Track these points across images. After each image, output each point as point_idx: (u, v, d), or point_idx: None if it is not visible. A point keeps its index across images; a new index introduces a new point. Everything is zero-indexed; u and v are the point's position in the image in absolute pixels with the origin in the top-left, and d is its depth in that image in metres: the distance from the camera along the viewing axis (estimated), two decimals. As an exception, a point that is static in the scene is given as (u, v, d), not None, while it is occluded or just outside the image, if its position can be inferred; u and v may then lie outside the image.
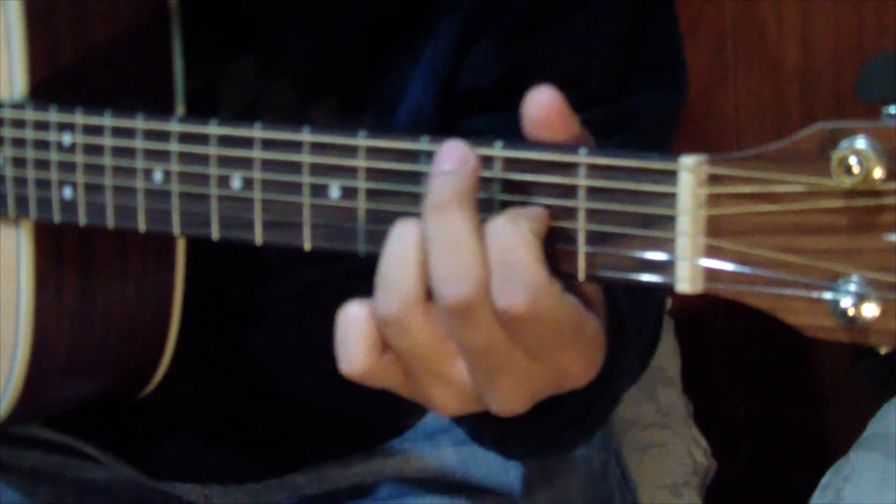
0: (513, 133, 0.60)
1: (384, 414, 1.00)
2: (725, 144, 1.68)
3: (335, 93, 0.83)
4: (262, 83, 0.84)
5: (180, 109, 0.82)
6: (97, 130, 0.73)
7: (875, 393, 0.53)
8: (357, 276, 0.90)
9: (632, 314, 0.69)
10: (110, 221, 0.73)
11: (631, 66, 0.81)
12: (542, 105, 0.57)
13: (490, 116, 0.81)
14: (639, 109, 0.80)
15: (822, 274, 0.51)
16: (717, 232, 0.53)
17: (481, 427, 0.76)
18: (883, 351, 0.51)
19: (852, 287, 0.50)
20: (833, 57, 1.58)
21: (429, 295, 0.58)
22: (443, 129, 0.83)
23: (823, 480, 1.22)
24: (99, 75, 0.80)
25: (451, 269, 0.56)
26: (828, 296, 0.51)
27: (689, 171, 0.53)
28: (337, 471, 0.99)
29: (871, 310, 0.50)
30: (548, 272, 0.55)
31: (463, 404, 0.61)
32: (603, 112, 0.80)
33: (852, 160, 0.49)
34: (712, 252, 0.53)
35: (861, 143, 0.49)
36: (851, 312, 0.50)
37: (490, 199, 0.59)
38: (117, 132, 0.72)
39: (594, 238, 0.56)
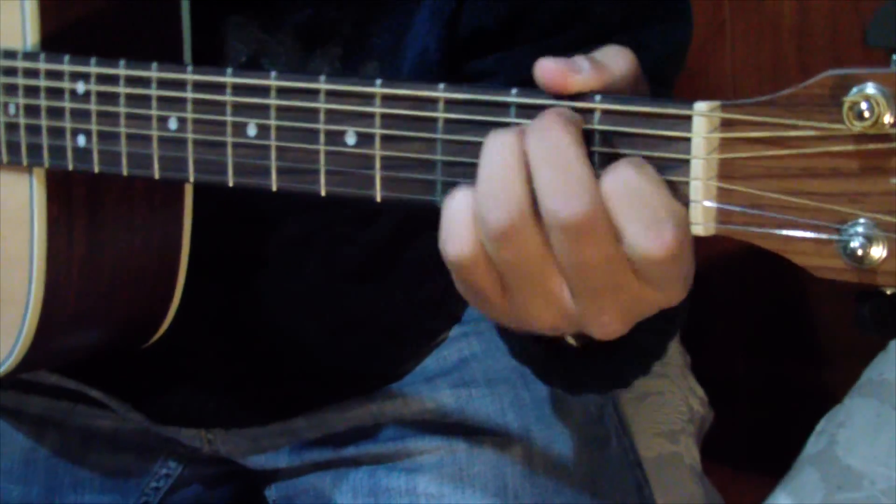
0: (522, 70, 0.60)
1: (384, 359, 1.01)
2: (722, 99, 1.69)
3: (338, 41, 0.84)
4: (266, 34, 0.84)
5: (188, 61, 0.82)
6: (111, 79, 0.73)
7: (880, 333, 0.54)
8: (358, 223, 0.92)
9: None
10: (124, 169, 0.74)
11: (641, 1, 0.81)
12: (541, 74, 0.58)
13: (498, 56, 0.81)
14: (647, 42, 0.80)
15: (832, 216, 0.52)
16: (730, 175, 0.54)
17: (551, 363, 0.76)
18: (889, 291, 0.52)
19: (860, 229, 0.51)
20: (830, 13, 1.58)
21: (536, 209, 0.57)
22: (449, 71, 0.83)
23: (818, 426, 1.23)
24: (107, 28, 0.80)
25: (562, 185, 0.56)
26: (836, 237, 0.52)
27: (703, 116, 0.54)
28: (337, 414, 1.00)
29: (878, 251, 0.51)
30: (682, 206, 0.56)
31: (561, 321, 0.60)
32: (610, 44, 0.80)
33: (863, 105, 0.50)
34: (725, 195, 0.54)
35: (871, 88, 0.50)
36: (860, 253, 0.51)
37: None
38: (131, 81, 0.73)
39: (609, 182, 0.57)
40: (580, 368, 0.73)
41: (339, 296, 0.96)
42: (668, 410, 1.26)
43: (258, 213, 0.88)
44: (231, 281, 0.93)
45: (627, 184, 0.55)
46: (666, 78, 0.82)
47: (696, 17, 0.86)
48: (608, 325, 0.59)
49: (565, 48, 0.76)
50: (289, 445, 1.02)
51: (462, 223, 0.59)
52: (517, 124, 0.59)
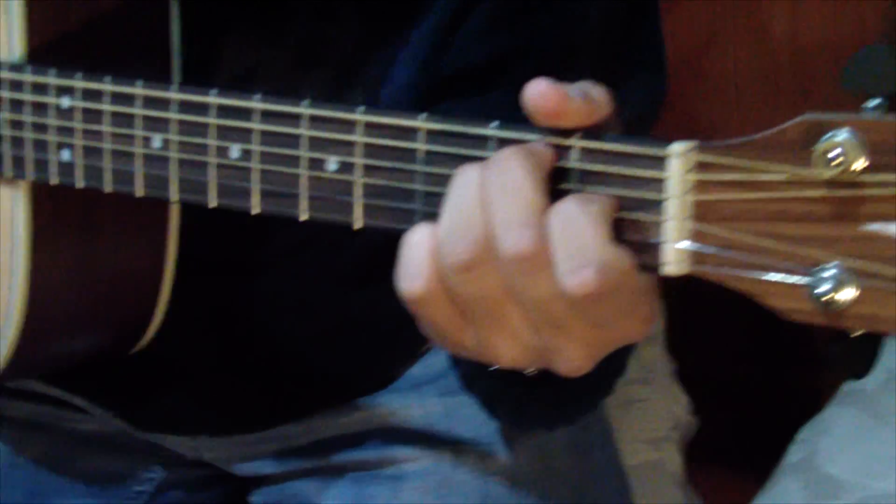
0: (497, 116, 0.60)
1: (372, 366, 1.01)
2: (724, 105, 1.69)
3: (331, 64, 0.84)
4: (262, 50, 0.84)
5: (176, 76, 0.82)
6: (96, 95, 0.74)
7: (849, 374, 0.55)
8: (346, 232, 0.92)
9: None
10: (108, 185, 0.74)
11: (621, 53, 0.82)
12: (537, 94, 0.58)
13: (474, 100, 0.81)
14: (627, 96, 0.81)
15: (802, 260, 0.52)
16: (704, 217, 0.54)
17: (495, 397, 0.77)
18: (858, 334, 0.53)
19: (830, 273, 0.52)
20: (822, 18, 1.59)
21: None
22: (425, 110, 0.83)
23: (800, 435, 1.25)
24: (97, 40, 0.80)
25: (513, 217, 0.56)
26: (806, 281, 0.52)
27: (679, 157, 0.55)
28: (324, 421, 1.00)
29: (847, 295, 0.52)
30: (617, 249, 0.56)
31: (524, 356, 0.61)
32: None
33: (834, 152, 0.50)
34: (698, 236, 0.55)
35: (843, 135, 0.51)
36: (828, 297, 0.52)
37: None
38: (117, 98, 0.73)
39: (586, 219, 0.57)
40: (530, 402, 0.73)
41: (328, 303, 0.96)
42: (652, 418, 1.27)
43: (250, 220, 0.88)
44: (221, 288, 0.93)
45: (565, 220, 0.56)
46: (645, 129, 0.83)
47: (696, 22, 0.86)
48: (572, 360, 0.60)
49: None
50: (275, 452, 1.02)
51: (419, 258, 0.60)
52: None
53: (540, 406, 0.74)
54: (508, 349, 0.60)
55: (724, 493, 1.50)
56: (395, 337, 1.01)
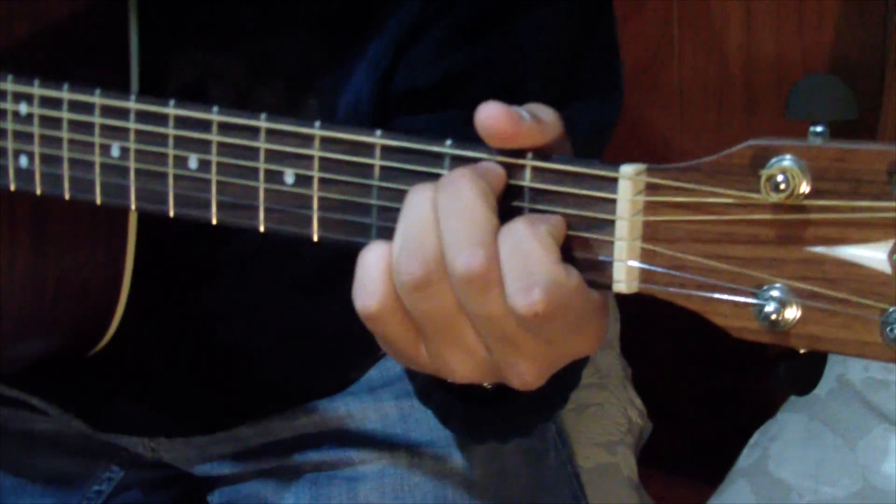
0: (449, 133, 0.61)
1: (329, 370, 1.02)
2: (671, 114, 1.71)
3: (283, 75, 0.84)
4: (213, 58, 0.85)
5: (135, 84, 0.82)
6: (54, 103, 0.74)
7: (794, 390, 0.56)
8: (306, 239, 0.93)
9: None
10: (66, 192, 0.75)
11: (570, 77, 0.82)
12: (489, 117, 0.58)
13: (427, 117, 0.82)
14: (574, 120, 0.82)
15: (748, 280, 0.54)
16: (653, 237, 0.55)
17: (449, 409, 0.77)
18: (802, 351, 0.54)
19: (775, 293, 0.53)
20: (775, 32, 1.60)
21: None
22: (379, 123, 0.84)
23: (752, 440, 1.26)
24: (54, 49, 0.81)
25: (462, 237, 0.57)
26: (752, 301, 0.54)
27: (629, 179, 0.56)
28: (281, 423, 1.01)
29: (791, 314, 0.53)
30: (565, 270, 0.56)
31: (478, 371, 0.62)
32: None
33: (780, 178, 0.52)
34: (647, 256, 0.56)
35: (788, 161, 0.52)
36: (774, 317, 0.53)
37: None
38: (74, 106, 0.73)
39: (537, 237, 0.58)
40: (484, 416, 0.74)
41: (285, 308, 0.96)
42: (606, 422, 1.28)
43: (206, 226, 0.88)
44: (177, 292, 0.94)
45: (514, 240, 0.56)
46: (594, 153, 0.84)
47: (646, 33, 0.87)
48: (524, 374, 0.61)
49: None
50: (233, 453, 1.03)
51: (374, 276, 0.60)
52: (448, 177, 0.61)
53: (494, 419, 0.74)
54: (462, 364, 0.61)
55: (678, 496, 1.52)
56: (350, 341, 1.02)
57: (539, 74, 0.82)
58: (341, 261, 0.95)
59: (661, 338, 1.72)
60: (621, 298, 1.50)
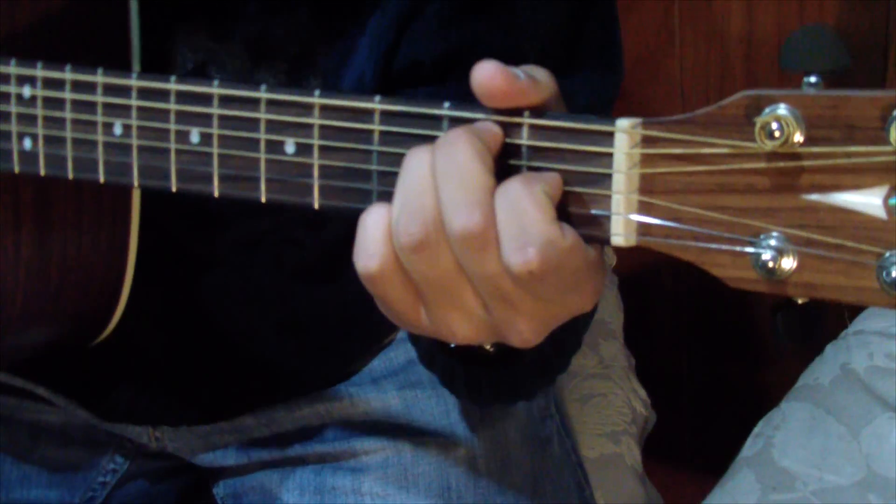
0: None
1: (332, 360, 1.02)
2: (672, 107, 1.71)
3: (284, 56, 0.85)
4: (214, 43, 0.85)
5: (136, 68, 0.83)
6: (57, 84, 0.74)
7: (792, 340, 0.57)
8: (307, 227, 0.93)
9: None
10: (70, 172, 0.75)
11: (570, 48, 0.83)
12: (485, 76, 0.59)
13: (431, 90, 0.83)
14: (575, 92, 0.83)
15: (745, 230, 0.54)
16: (650, 190, 0.56)
17: (453, 373, 0.78)
18: (800, 301, 0.55)
19: (772, 242, 0.53)
20: (776, 25, 1.61)
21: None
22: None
23: (755, 429, 1.26)
24: (55, 37, 0.81)
25: (459, 198, 0.58)
26: (749, 250, 0.54)
27: (625, 132, 0.56)
28: (285, 413, 1.02)
29: (789, 263, 0.53)
30: (559, 229, 0.57)
31: (478, 332, 0.62)
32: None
33: (774, 125, 0.52)
34: (645, 208, 0.56)
35: (782, 109, 0.52)
36: (771, 265, 0.53)
37: None
38: (77, 86, 0.74)
39: (536, 194, 0.59)
40: (487, 378, 0.75)
41: (288, 297, 0.97)
42: (610, 412, 1.28)
43: (208, 214, 0.89)
44: (180, 280, 0.94)
45: (510, 200, 0.57)
46: None
47: (647, 24, 0.88)
48: (523, 332, 0.61)
49: None
50: (237, 443, 1.03)
51: (375, 237, 0.61)
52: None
53: (497, 382, 0.75)
54: (462, 325, 0.62)
55: (682, 485, 1.52)
56: (354, 331, 1.02)
57: (538, 47, 0.82)
58: (343, 249, 0.96)
59: (664, 328, 1.72)
60: (624, 288, 1.51)
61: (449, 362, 0.76)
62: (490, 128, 0.60)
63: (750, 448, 1.24)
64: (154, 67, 0.84)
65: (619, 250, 1.35)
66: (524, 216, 0.57)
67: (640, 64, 1.63)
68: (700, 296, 1.69)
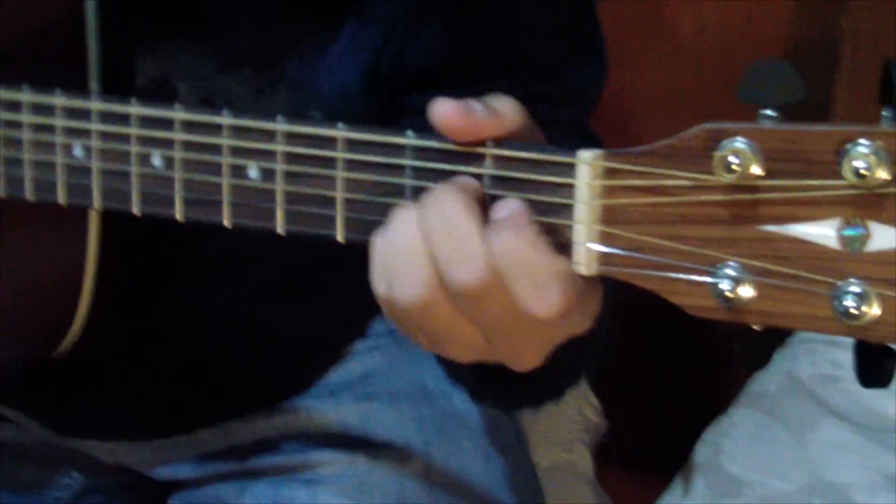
0: None
1: (290, 373, 1.03)
2: (620, 117, 1.72)
3: (251, 63, 0.85)
4: (178, 52, 0.85)
5: (94, 84, 0.82)
6: (14, 106, 0.74)
7: (749, 366, 0.58)
8: (269, 243, 0.94)
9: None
10: (30, 194, 0.75)
11: (573, 43, 0.85)
12: (440, 115, 0.60)
13: (438, 93, 0.84)
14: (578, 86, 0.84)
15: (704, 259, 0.55)
16: (611, 220, 0.57)
17: (482, 387, 0.78)
18: (757, 328, 0.56)
19: (730, 272, 0.55)
20: (724, 35, 1.63)
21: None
22: (372, 106, 0.85)
23: (704, 436, 1.28)
24: (12, 46, 0.80)
25: (455, 254, 0.58)
26: (708, 279, 0.55)
27: (587, 164, 0.57)
28: (241, 426, 1.02)
29: (746, 292, 0.55)
30: (563, 262, 0.58)
31: (481, 357, 0.63)
32: (551, 87, 0.83)
33: (732, 159, 0.54)
34: (606, 238, 0.57)
35: (740, 143, 0.54)
36: (729, 294, 0.55)
37: (402, 185, 0.62)
38: (36, 109, 0.74)
39: (497, 223, 0.59)
40: (513, 389, 0.75)
41: (250, 312, 0.97)
42: (563, 420, 1.30)
43: (172, 229, 0.88)
44: (140, 295, 0.94)
45: (507, 249, 0.57)
46: (587, 118, 0.86)
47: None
48: (524, 359, 0.62)
49: (504, 90, 0.80)
50: (193, 457, 1.04)
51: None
52: (413, 166, 0.62)
53: (527, 387, 0.74)
54: (463, 354, 0.63)
55: (633, 492, 1.53)
56: (314, 345, 1.03)
57: (544, 45, 0.83)
58: (308, 266, 0.97)
59: (614, 334, 1.73)
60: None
61: (476, 380, 0.77)
62: (470, 182, 0.60)
63: (699, 455, 1.26)
64: (113, 79, 0.83)
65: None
66: (531, 263, 0.57)
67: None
68: (650, 303, 1.71)
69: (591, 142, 0.86)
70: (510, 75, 0.83)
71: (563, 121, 0.79)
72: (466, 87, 0.80)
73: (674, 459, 1.28)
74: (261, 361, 1.00)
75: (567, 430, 1.29)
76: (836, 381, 1.26)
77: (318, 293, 0.99)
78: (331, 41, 0.84)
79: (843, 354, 1.26)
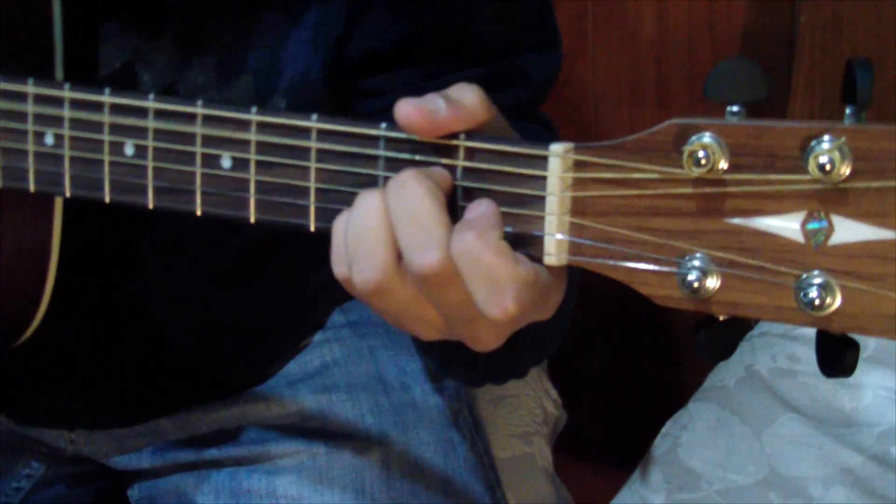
0: (411, 91, 0.63)
1: (248, 363, 1.03)
2: (585, 110, 1.74)
3: (214, 51, 0.85)
4: (142, 41, 0.85)
5: (59, 73, 0.82)
6: None
7: (713, 356, 0.59)
8: (226, 229, 0.94)
9: None
10: (-1, 181, 0.75)
11: (513, 29, 0.86)
12: (402, 117, 0.61)
13: (387, 77, 0.84)
14: (526, 68, 0.85)
15: (672, 251, 0.57)
16: (581, 212, 0.58)
17: (449, 361, 0.80)
18: (721, 318, 0.58)
19: (697, 263, 0.56)
20: (687, 29, 1.65)
21: (400, 258, 0.61)
22: (334, 90, 0.86)
23: (664, 429, 1.29)
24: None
25: (417, 239, 0.59)
26: (676, 270, 0.57)
27: (558, 156, 0.58)
28: (200, 416, 1.02)
29: (712, 283, 0.56)
30: (529, 270, 0.59)
31: (442, 336, 0.65)
32: (495, 68, 0.84)
33: (700, 153, 0.55)
34: (576, 230, 0.59)
35: (708, 138, 0.55)
36: (696, 285, 0.56)
37: (376, 175, 0.63)
38: (6, 95, 0.74)
39: (471, 214, 0.61)
40: (479, 362, 0.76)
41: (207, 300, 0.97)
42: (522, 413, 1.31)
43: (129, 215, 0.88)
44: (99, 283, 0.94)
45: (469, 251, 0.59)
46: (540, 101, 0.87)
47: (561, 28, 0.90)
48: (483, 342, 0.64)
49: (451, 71, 0.81)
50: (152, 446, 1.04)
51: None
52: (386, 157, 0.63)
53: (493, 362, 0.76)
54: (425, 333, 0.65)
55: (592, 484, 1.55)
56: (270, 335, 1.03)
57: (486, 29, 0.84)
58: (263, 253, 0.97)
59: (574, 327, 1.74)
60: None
61: (444, 355, 0.78)
62: (439, 170, 0.61)
63: (658, 448, 1.27)
64: (78, 68, 0.83)
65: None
66: (491, 267, 0.58)
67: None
68: (610, 295, 1.72)
69: (543, 126, 0.87)
70: (458, 56, 0.84)
71: (510, 104, 0.80)
72: (415, 68, 0.81)
73: (633, 452, 1.29)
74: (218, 351, 1.00)
75: (526, 422, 1.29)
76: (794, 375, 1.28)
77: (274, 283, 0.99)
78: (292, 28, 0.85)
79: (801, 349, 1.28)
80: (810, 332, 0.56)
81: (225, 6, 0.84)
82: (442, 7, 0.84)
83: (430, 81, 0.61)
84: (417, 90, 0.62)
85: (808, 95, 1.40)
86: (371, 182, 0.63)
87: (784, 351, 1.30)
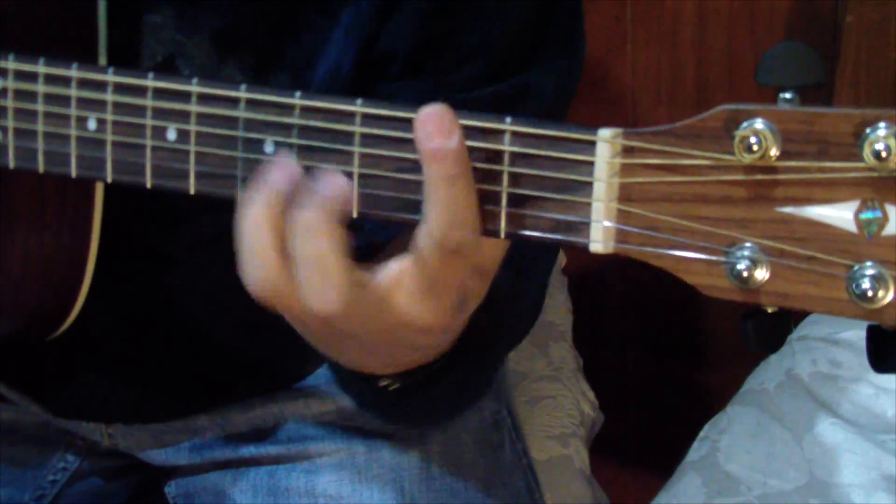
0: (422, 100, 0.62)
1: (288, 359, 1.02)
2: (622, 109, 1.73)
3: (252, 50, 0.85)
4: (181, 36, 0.85)
5: (102, 61, 0.82)
6: (30, 77, 0.74)
7: (761, 347, 0.58)
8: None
9: (511, 287, 0.74)
10: (41, 166, 0.75)
11: (540, 38, 0.84)
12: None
13: (404, 84, 0.84)
14: (541, 83, 0.84)
15: (721, 240, 0.56)
16: (629, 198, 0.57)
17: (364, 397, 0.80)
18: (770, 310, 0.57)
19: (746, 252, 0.55)
20: (727, 29, 1.64)
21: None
22: (360, 89, 0.84)
23: (701, 433, 1.28)
24: (21, 25, 0.80)
25: (318, 284, 0.63)
26: (724, 259, 0.56)
27: (606, 142, 0.58)
28: (239, 413, 1.02)
29: (762, 273, 0.55)
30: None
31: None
32: (506, 87, 0.83)
33: (752, 139, 0.54)
34: (623, 216, 0.58)
35: (760, 124, 0.54)
36: (745, 275, 0.55)
37: (418, 160, 0.62)
38: (51, 79, 0.73)
39: (516, 200, 0.60)
40: (397, 403, 0.77)
41: (247, 295, 0.97)
42: (559, 414, 1.30)
43: (171, 210, 0.89)
44: (140, 276, 0.94)
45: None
46: (558, 115, 0.86)
47: (599, 26, 0.89)
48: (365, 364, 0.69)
49: (465, 84, 0.80)
50: (190, 443, 1.03)
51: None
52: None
53: (408, 408, 0.78)
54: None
55: (629, 487, 1.54)
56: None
57: (510, 38, 0.83)
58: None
59: (612, 329, 1.74)
60: (573, 288, 1.53)
61: (361, 389, 0.78)
62: (339, 191, 0.63)
63: (696, 452, 1.26)
64: (121, 60, 0.83)
65: (568, 251, 1.37)
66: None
67: (590, 64, 1.65)
68: (648, 298, 1.72)
69: None
70: (470, 66, 0.83)
71: None
72: (431, 77, 0.81)
73: (671, 456, 1.28)
74: (257, 347, 1.00)
75: (563, 424, 1.29)
76: (835, 380, 1.27)
77: None
78: (332, 26, 0.85)
79: (842, 353, 1.26)
80: (852, 337, 0.55)
81: (263, 5, 0.84)
82: (469, 13, 0.83)
83: (443, 96, 0.61)
84: (428, 99, 0.62)
85: (853, 97, 1.38)
86: (414, 168, 0.62)
87: (825, 356, 1.28)
